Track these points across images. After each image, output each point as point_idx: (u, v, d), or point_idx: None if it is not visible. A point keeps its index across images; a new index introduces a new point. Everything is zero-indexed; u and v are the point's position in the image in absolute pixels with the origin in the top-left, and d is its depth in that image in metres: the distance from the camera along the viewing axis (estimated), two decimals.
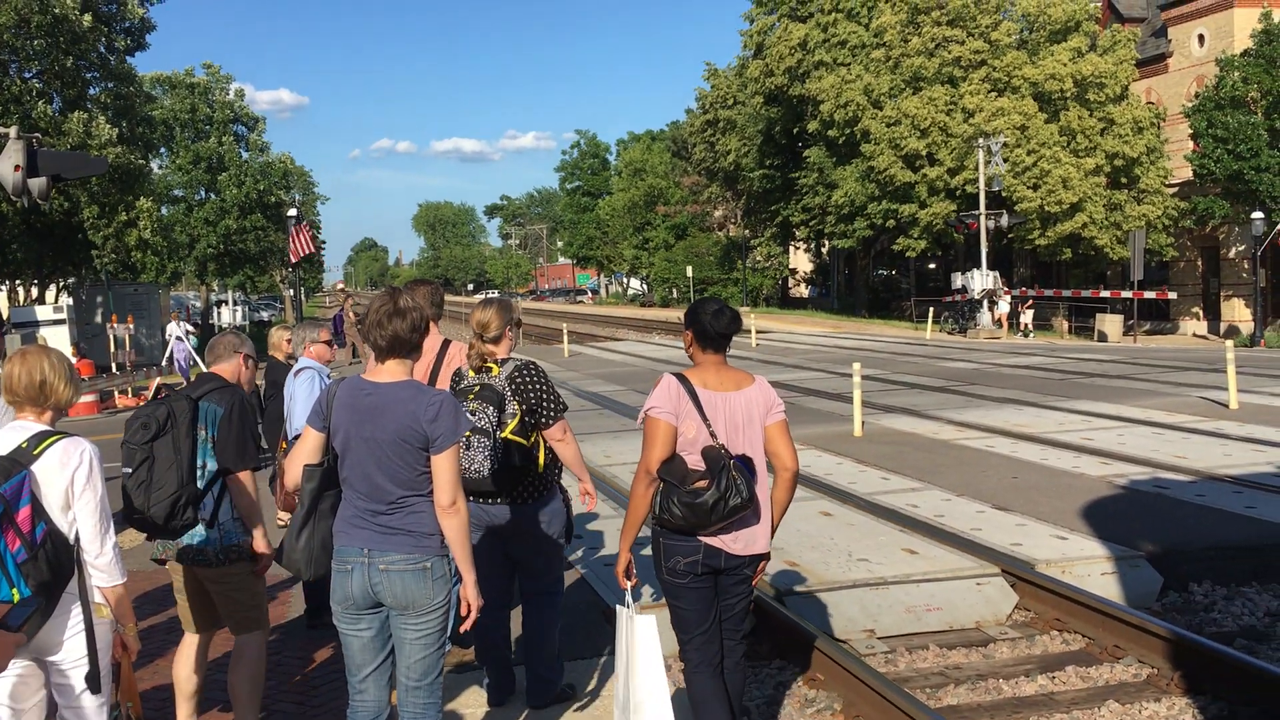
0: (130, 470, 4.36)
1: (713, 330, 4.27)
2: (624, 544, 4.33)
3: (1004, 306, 38.66)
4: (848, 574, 7.33)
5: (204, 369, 5.20)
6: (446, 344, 5.73)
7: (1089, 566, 7.49)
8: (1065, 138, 40.81)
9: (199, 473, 4.54)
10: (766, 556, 4.36)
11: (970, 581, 7.24)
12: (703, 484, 4.10)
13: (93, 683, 3.65)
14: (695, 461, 4.18)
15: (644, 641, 4.16)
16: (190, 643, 4.94)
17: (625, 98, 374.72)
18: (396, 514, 3.74)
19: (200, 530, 4.62)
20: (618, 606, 4.33)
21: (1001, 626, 6.88)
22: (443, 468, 3.69)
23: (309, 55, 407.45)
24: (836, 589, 7.08)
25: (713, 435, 4.18)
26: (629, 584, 4.31)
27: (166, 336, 29.43)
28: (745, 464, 4.17)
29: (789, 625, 6.42)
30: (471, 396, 4.87)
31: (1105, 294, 38.97)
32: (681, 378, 4.27)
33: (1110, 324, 37.23)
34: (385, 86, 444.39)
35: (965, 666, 6.22)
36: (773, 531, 4.37)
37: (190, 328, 30.11)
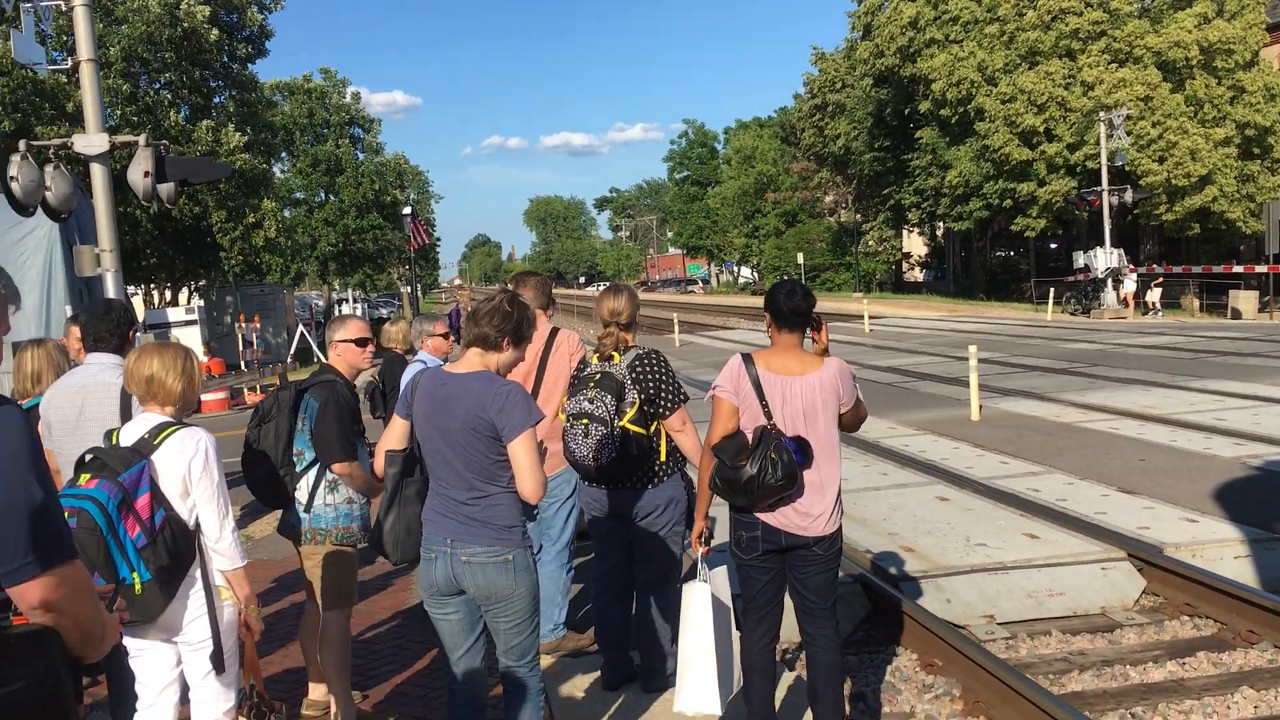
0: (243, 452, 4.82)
1: (785, 308, 4.33)
2: (697, 514, 4.54)
3: (1129, 285, 37.32)
4: (966, 559, 7.19)
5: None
6: (555, 332, 5.79)
7: (1221, 550, 7.21)
8: (1192, 108, 39.19)
9: (296, 460, 4.87)
10: (835, 539, 4.37)
11: (1095, 566, 7.04)
12: (743, 460, 4.19)
13: (217, 662, 3.80)
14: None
15: (696, 604, 4.39)
16: (314, 615, 5.14)
17: (732, 86, 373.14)
18: (477, 505, 3.77)
19: (297, 510, 4.92)
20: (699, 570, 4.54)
21: (1128, 612, 6.67)
22: (517, 455, 3.69)
23: (421, 57, 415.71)
24: (954, 574, 6.96)
25: (767, 415, 4.27)
26: (700, 551, 4.50)
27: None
28: (799, 445, 4.21)
29: (905, 610, 6.33)
30: (592, 385, 4.91)
31: (1238, 270, 37.32)
32: (747, 358, 4.38)
33: (1244, 301, 35.61)
34: (495, 84, 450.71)
35: (1090, 652, 6.05)
36: None
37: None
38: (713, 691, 4.37)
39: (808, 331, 4.41)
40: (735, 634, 4.57)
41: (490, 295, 3.99)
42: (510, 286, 5.28)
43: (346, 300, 62.82)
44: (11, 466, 2.15)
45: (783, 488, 4.18)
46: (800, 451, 4.21)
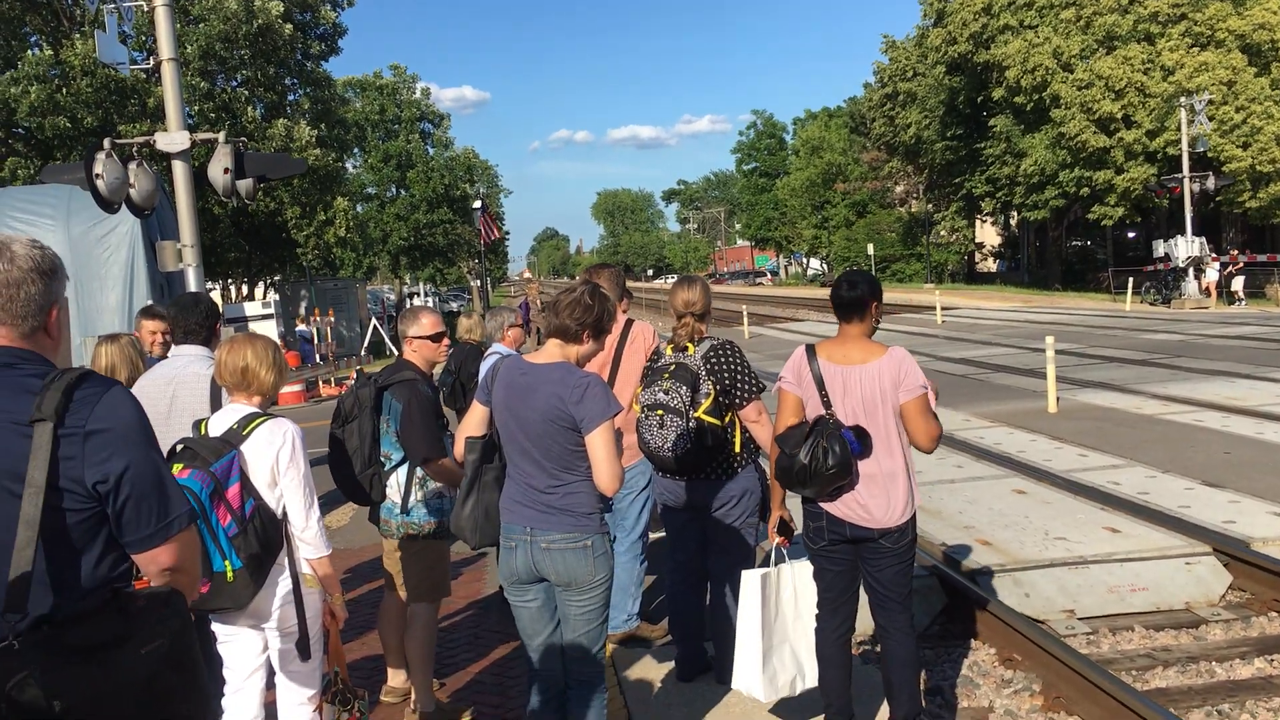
0: (330, 453, 4.91)
1: (836, 298, 4.39)
2: (773, 505, 4.62)
3: (1212, 275, 36.33)
4: (1044, 553, 7.07)
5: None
6: (630, 324, 5.79)
7: None
8: (1278, 92, 38.03)
9: (384, 460, 4.93)
10: (905, 531, 4.31)
11: (1179, 561, 6.88)
12: (796, 449, 4.20)
13: (302, 649, 3.88)
14: None
15: (748, 594, 4.44)
16: (393, 604, 5.21)
17: (801, 77, 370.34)
18: (555, 494, 3.79)
19: (389, 506, 4.98)
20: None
21: (1214, 608, 6.51)
22: (594, 447, 3.68)
23: (489, 52, 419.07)
24: (1033, 568, 6.85)
25: (826, 405, 4.28)
26: (775, 541, 4.56)
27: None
28: (858, 435, 4.19)
29: (983, 604, 6.25)
30: (667, 376, 4.91)
31: None
32: (810, 350, 4.41)
33: None
34: (562, 78, 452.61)
35: (1174, 649, 5.92)
36: None
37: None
38: (757, 677, 4.41)
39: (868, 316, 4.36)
40: (810, 625, 4.55)
41: (571, 287, 4.00)
42: (588, 278, 5.29)
43: (417, 294, 63.52)
44: (140, 439, 2.30)
45: (835, 476, 4.17)
46: (858, 442, 4.19)
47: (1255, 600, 6.54)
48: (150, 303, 11.23)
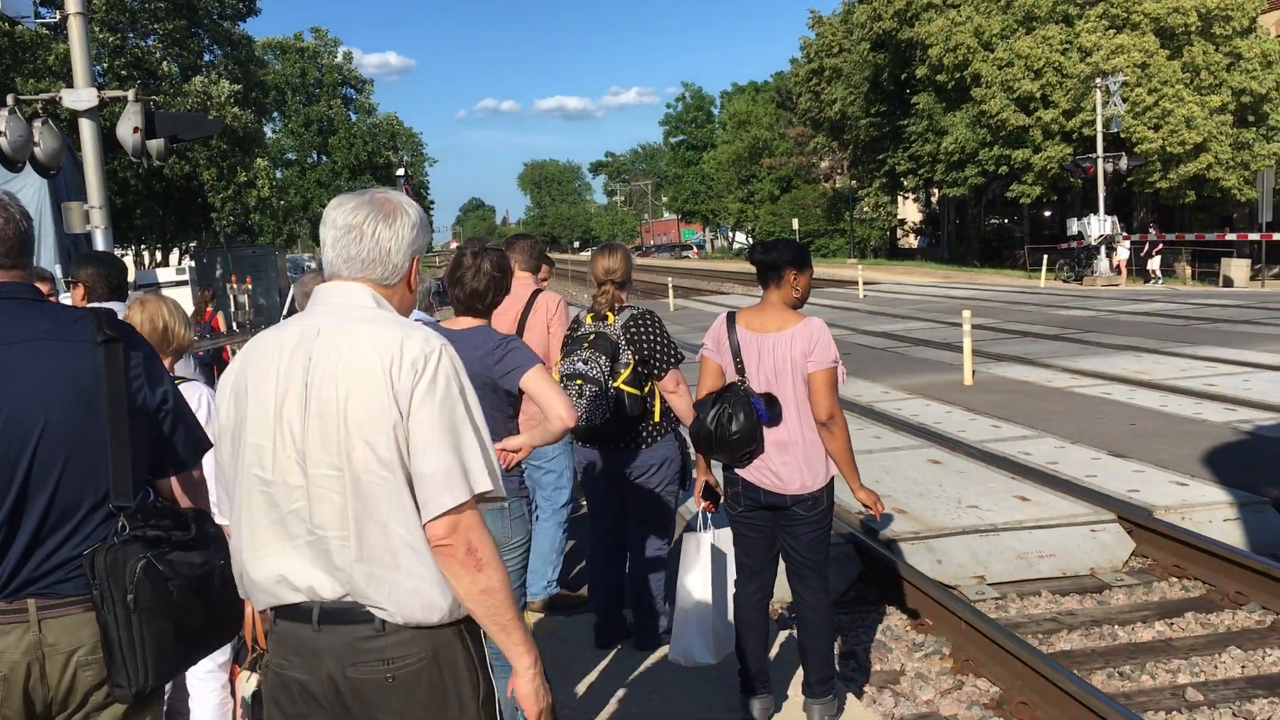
0: None
1: (751, 261, 4.46)
2: (699, 470, 4.62)
3: (1123, 253, 37.27)
4: (957, 520, 7.22)
5: None
6: (536, 293, 5.76)
7: (1210, 513, 7.25)
8: (1188, 75, 38.98)
9: None
10: (819, 499, 4.31)
11: (1085, 528, 7.08)
12: (704, 415, 4.25)
13: None
14: None
15: (693, 556, 4.50)
16: None
17: (729, 50, 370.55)
18: None
19: None
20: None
21: (1118, 573, 6.72)
22: (535, 389, 3.57)
23: (414, 16, 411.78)
24: (946, 535, 6.99)
25: (740, 372, 4.31)
26: (700, 506, 4.58)
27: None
28: (767, 402, 4.23)
29: (896, 571, 6.37)
30: (586, 345, 4.89)
31: (1231, 237, 37.31)
32: (730, 317, 4.43)
33: (1236, 269, 35.59)
34: (489, 47, 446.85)
35: (1079, 613, 6.10)
36: (857, 479, 4.37)
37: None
38: (706, 642, 4.42)
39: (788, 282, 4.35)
40: (731, 590, 4.59)
41: (462, 255, 3.93)
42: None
43: None
44: (165, 373, 2.61)
45: (741, 442, 4.20)
46: (766, 410, 4.22)
47: (1156, 566, 6.76)
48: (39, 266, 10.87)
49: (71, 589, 2.33)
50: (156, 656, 2.32)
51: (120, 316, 4.39)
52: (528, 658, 2.27)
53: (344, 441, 2.17)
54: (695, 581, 4.46)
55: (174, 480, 2.68)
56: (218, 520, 3.79)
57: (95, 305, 2.50)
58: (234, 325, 27.66)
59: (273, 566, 2.26)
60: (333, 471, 2.19)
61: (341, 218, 2.35)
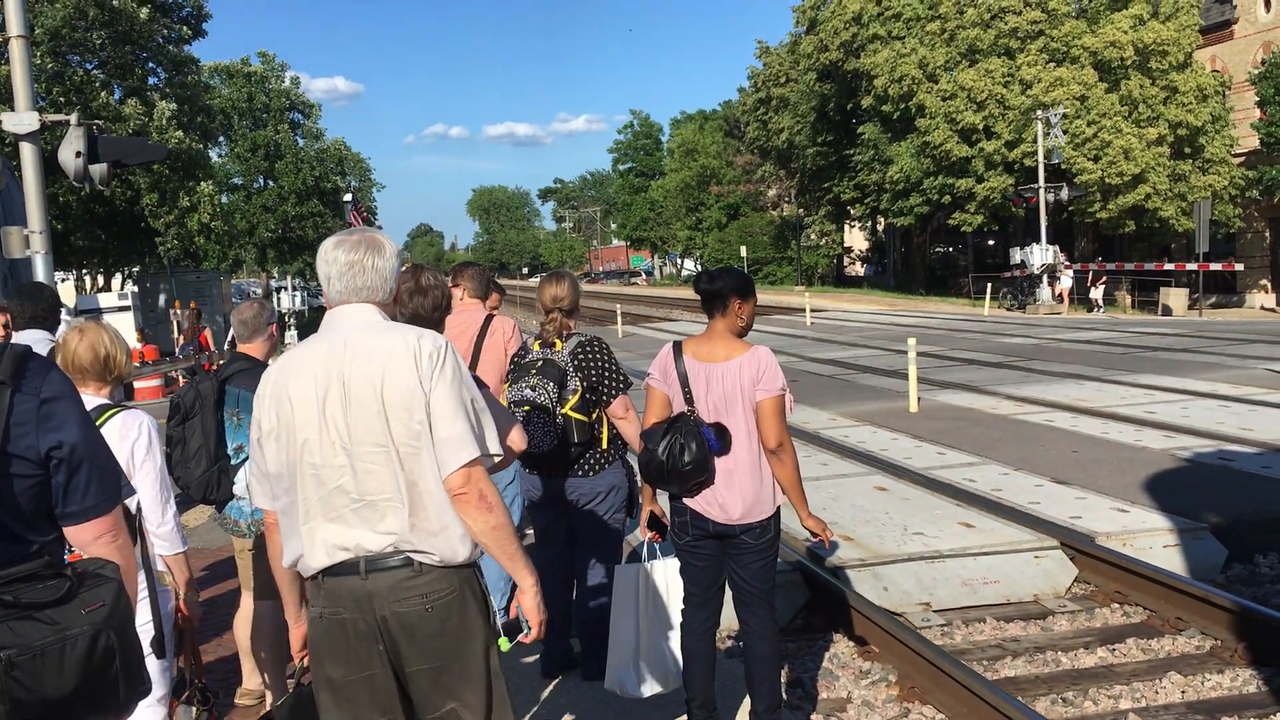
0: (168, 451, 4.56)
1: (696, 290, 4.44)
2: (644, 499, 4.63)
3: (1065, 281, 37.98)
4: (903, 547, 7.27)
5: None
6: (490, 319, 5.75)
7: (1151, 539, 7.36)
8: (1126, 107, 39.91)
9: (234, 454, 4.69)
10: (766, 527, 4.34)
11: (1028, 554, 7.16)
12: (655, 446, 4.24)
13: (157, 647, 3.72)
14: None
15: (623, 587, 4.57)
16: (248, 605, 5.06)
17: (677, 78, 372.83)
18: None
19: (238, 505, 4.79)
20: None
21: (1060, 599, 6.79)
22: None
23: (362, 42, 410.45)
24: (891, 562, 7.03)
25: (689, 402, 4.30)
26: (646, 536, 4.58)
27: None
28: (717, 432, 4.23)
29: (844, 598, 6.39)
30: (533, 371, 4.89)
31: (1169, 267, 38.14)
32: (676, 347, 4.43)
33: (1175, 298, 36.41)
34: (438, 73, 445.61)
35: (1023, 639, 6.15)
36: (805, 507, 4.42)
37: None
38: (640, 675, 4.45)
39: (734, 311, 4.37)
40: (677, 620, 4.58)
41: (401, 276, 3.94)
42: (451, 277, 5.25)
43: (286, 288, 61.93)
44: (85, 411, 2.41)
45: (692, 473, 4.20)
46: (717, 440, 4.22)
47: (1099, 592, 6.84)
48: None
49: None
50: None
51: (44, 347, 4.34)
52: (530, 579, 3.00)
53: (384, 421, 2.73)
54: (628, 613, 4.47)
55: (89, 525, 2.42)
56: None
57: (22, 345, 2.38)
58: (176, 351, 27.22)
59: (326, 535, 2.78)
60: (377, 448, 2.75)
61: (344, 255, 2.91)
